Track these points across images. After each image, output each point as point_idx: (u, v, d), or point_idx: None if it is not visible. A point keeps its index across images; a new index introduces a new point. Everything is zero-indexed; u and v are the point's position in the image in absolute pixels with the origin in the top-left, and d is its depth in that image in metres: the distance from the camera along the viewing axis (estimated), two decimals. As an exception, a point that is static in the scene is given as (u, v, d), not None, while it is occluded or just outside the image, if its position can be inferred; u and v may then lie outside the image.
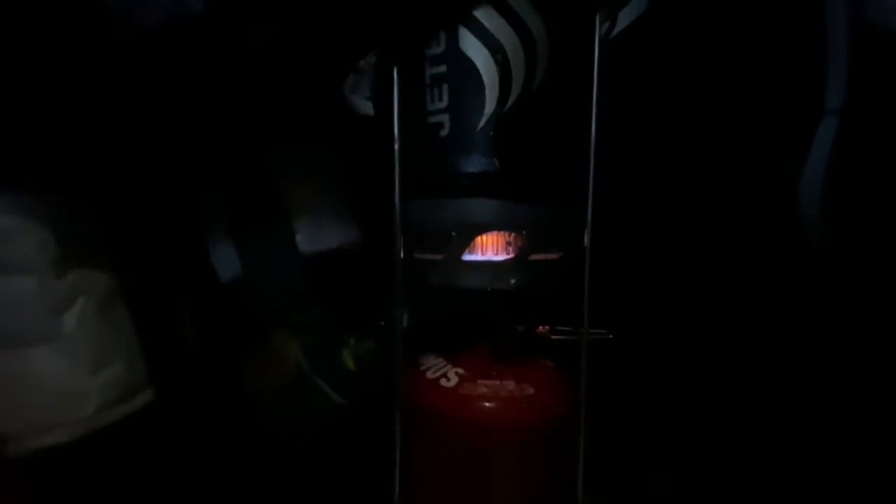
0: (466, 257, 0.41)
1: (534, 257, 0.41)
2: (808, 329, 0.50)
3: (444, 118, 0.41)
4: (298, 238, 0.59)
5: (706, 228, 0.53)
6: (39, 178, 0.43)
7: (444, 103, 0.41)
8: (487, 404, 0.41)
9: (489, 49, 0.40)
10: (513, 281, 0.40)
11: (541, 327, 0.45)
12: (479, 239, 0.41)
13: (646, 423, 0.57)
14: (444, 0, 0.39)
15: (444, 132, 0.41)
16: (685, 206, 0.54)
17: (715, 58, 0.51)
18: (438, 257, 0.42)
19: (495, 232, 0.41)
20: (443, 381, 0.43)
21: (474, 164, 0.41)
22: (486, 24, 0.40)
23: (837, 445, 0.48)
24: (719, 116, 0.52)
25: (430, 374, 0.44)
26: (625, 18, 0.47)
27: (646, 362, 0.56)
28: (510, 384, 0.42)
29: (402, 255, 0.42)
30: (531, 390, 0.42)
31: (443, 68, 0.41)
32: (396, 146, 0.42)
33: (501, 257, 0.41)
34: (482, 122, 0.41)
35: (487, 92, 0.40)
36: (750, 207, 0.53)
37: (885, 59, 0.48)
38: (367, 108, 0.52)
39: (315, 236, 0.60)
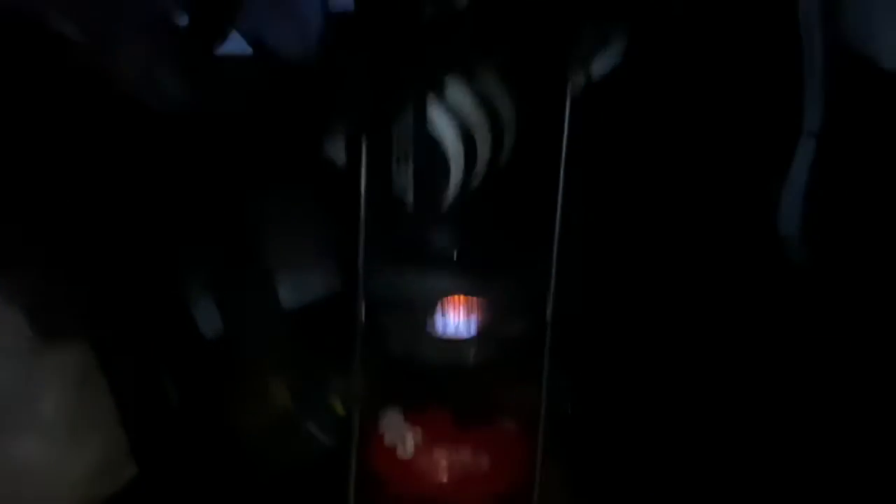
0: (428, 331, 0.42)
1: (496, 331, 0.42)
2: (790, 347, 0.50)
3: (410, 190, 0.42)
4: (281, 291, 0.59)
5: (687, 248, 0.54)
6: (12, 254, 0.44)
7: (410, 175, 0.41)
8: (442, 478, 0.42)
9: (456, 127, 0.40)
10: (473, 355, 0.41)
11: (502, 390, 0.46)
12: (441, 309, 0.42)
13: (634, 457, 0.58)
14: (412, 79, 0.39)
15: (409, 203, 0.42)
16: (666, 225, 0.55)
17: (693, 80, 0.51)
18: (401, 325, 0.43)
19: (458, 302, 0.42)
20: (399, 450, 0.43)
21: (439, 236, 0.42)
22: (454, 101, 0.40)
23: (820, 461, 0.49)
24: (697, 140, 0.53)
25: (388, 440, 0.45)
26: (600, 68, 0.47)
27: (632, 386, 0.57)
28: (467, 454, 0.42)
29: (363, 320, 0.43)
30: (488, 460, 0.42)
31: (409, 141, 0.41)
32: (362, 215, 0.43)
33: (463, 332, 0.41)
34: (447, 197, 0.41)
35: (452, 168, 0.40)
36: (732, 228, 0.53)
37: (861, 82, 0.49)
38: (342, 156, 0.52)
39: (298, 287, 0.60)
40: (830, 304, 0.50)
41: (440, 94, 0.39)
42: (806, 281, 0.50)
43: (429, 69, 0.40)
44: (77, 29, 0.46)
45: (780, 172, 0.52)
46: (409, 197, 0.41)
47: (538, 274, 0.41)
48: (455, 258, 0.41)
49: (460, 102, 0.40)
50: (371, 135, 0.42)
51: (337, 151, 0.53)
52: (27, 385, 0.40)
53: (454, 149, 0.40)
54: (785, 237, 0.50)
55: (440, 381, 0.45)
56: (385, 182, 0.42)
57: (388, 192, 0.42)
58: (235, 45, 0.46)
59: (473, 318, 0.42)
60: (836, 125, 0.50)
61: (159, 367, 0.54)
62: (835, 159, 0.50)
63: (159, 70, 0.49)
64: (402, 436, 0.44)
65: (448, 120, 0.40)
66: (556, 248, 0.40)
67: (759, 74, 0.51)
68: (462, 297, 0.42)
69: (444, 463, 0.42)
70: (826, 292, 0.50)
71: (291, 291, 0.60)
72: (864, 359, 0.49)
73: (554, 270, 0.40)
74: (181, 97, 0.45)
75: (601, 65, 0.45)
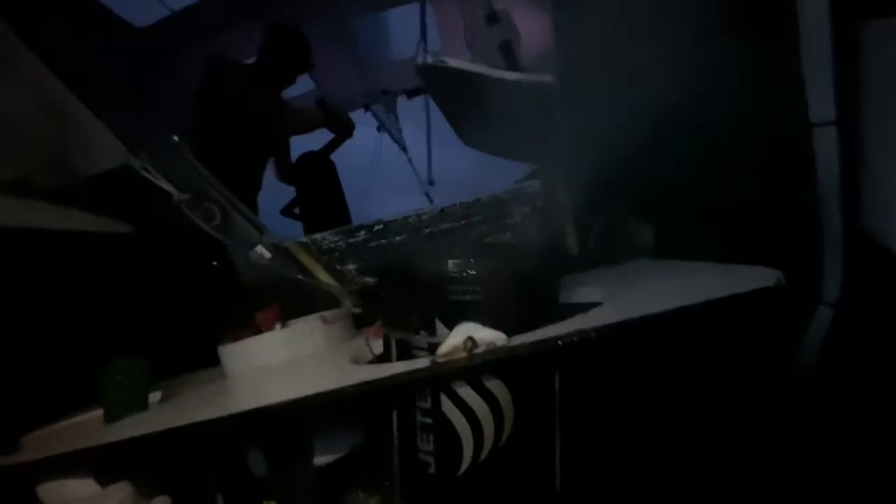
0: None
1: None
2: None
3: (430, 459, 0.52)
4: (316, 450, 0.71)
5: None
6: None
7: (430, 447, 0.52)
8: None
9: (465, 416, 0.50)
10: None
11: None
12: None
13: None
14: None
15: (430, 470, 0.52)
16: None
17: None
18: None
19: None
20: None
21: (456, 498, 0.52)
22: (463, 395, 0.50)
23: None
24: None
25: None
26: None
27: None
28: None
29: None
30: None
31: (429, 420, 0.51)
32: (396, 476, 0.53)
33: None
34: (461, 469, 0.50)
35: (464, 448, 0.50)
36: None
37: (876, 263, 0.56)
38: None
39: (330, 446, 0.71)
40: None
41: (451, 388, 0.49)
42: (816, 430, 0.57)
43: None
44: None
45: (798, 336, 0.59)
46: (431, 464, 0.51)
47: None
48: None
49: (468, 395, 0.49)
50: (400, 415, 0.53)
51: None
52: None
53: (465, 434, 0.50)
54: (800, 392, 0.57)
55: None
56: (413, 448, 0.52)
57: (416, 456, 0.52)
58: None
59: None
60: (852, 299, 0.57)
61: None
62: (847, 326, 0.57)
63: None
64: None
65: (460, 413, 0.50)
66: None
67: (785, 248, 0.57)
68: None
69: None
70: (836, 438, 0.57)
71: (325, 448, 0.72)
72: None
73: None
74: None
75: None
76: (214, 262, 0.98)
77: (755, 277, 0.51)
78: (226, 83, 1.72)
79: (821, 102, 0.65)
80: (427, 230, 1.02)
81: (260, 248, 1.02)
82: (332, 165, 1.93)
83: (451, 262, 0.54)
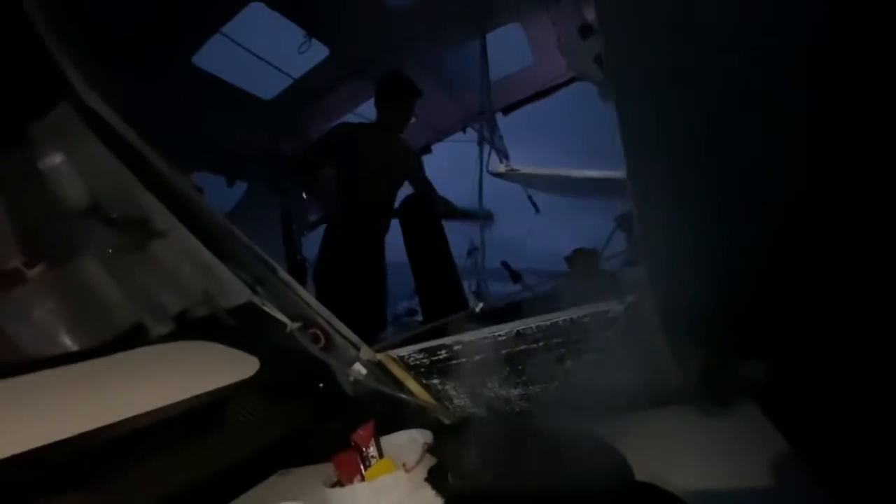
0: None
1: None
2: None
3: None
4: None
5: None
6: None
7: None
8: None
9: None
10: None
11: None
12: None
13: None
14: None
15: None
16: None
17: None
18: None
19: None
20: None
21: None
22: None
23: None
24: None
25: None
26: None
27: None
28: None
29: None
30: None
31: None
32: None
33: None
34: None
35: None
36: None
37: None
38: None
39: None
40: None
41: None
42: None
43: None
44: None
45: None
46: None
47: None
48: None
49: None
50: None
51: None
52: None
53: None
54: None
55: None
56: None
57: None
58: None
59: None
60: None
61: None
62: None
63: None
64: None
65: None
66: None
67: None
68: None
69: None
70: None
71: None
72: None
73: None
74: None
75: None
76: (321, 384, 1.13)
77: None
78: (358, 144, 1.91)
79: None
80: (504, 352, 1.02)
81: (357, 366, 1.14)
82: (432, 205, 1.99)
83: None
